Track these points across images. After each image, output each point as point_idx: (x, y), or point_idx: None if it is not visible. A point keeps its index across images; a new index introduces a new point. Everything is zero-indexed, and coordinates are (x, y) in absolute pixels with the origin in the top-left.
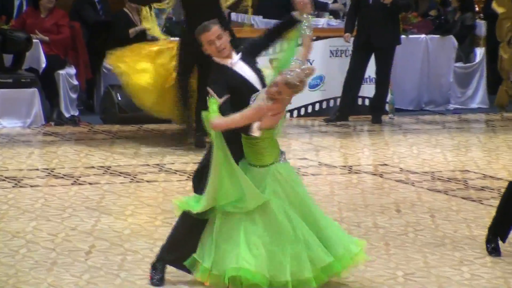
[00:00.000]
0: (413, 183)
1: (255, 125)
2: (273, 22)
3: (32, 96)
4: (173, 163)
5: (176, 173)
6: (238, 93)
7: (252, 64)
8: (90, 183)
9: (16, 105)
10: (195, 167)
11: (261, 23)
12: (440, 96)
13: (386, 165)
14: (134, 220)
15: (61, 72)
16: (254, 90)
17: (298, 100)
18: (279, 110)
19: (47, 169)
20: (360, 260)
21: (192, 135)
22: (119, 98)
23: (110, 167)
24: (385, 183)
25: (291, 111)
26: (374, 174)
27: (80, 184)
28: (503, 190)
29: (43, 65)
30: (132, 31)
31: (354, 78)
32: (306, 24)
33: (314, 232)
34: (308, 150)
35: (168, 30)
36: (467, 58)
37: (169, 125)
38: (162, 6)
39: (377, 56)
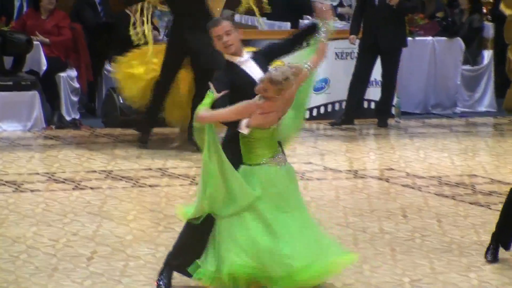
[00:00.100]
0: (419, 187)
1: (243, 122)
2: (276, 24)
3: (33, 99)
4: (176, 167)
5: (179, 178)
6: (242, 92)
7: (263, 65)
8: (91, 188)
9: (16, 108)
10: (199, 171)
11: (265, 24)
12: (447, 99)
13: (392, 169)
14: (136, 225)
15: (62, 74)
16: None
17: None
18: (270, 109)
19: (48, 173)
20: (333, 271)
21: (146, 132)
22: (121, 101)
23: (112, 171)
24: (391, 187)
25: None
26: (380, 179)
27: (81, 188)
28: None
29: (44, 67)
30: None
31: (359, 81)
32: (324, 30)
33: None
34: (313, 154)
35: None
36: (474, 61)
37: (172, 129)
38: (165, 9)
39: (383, 58)
